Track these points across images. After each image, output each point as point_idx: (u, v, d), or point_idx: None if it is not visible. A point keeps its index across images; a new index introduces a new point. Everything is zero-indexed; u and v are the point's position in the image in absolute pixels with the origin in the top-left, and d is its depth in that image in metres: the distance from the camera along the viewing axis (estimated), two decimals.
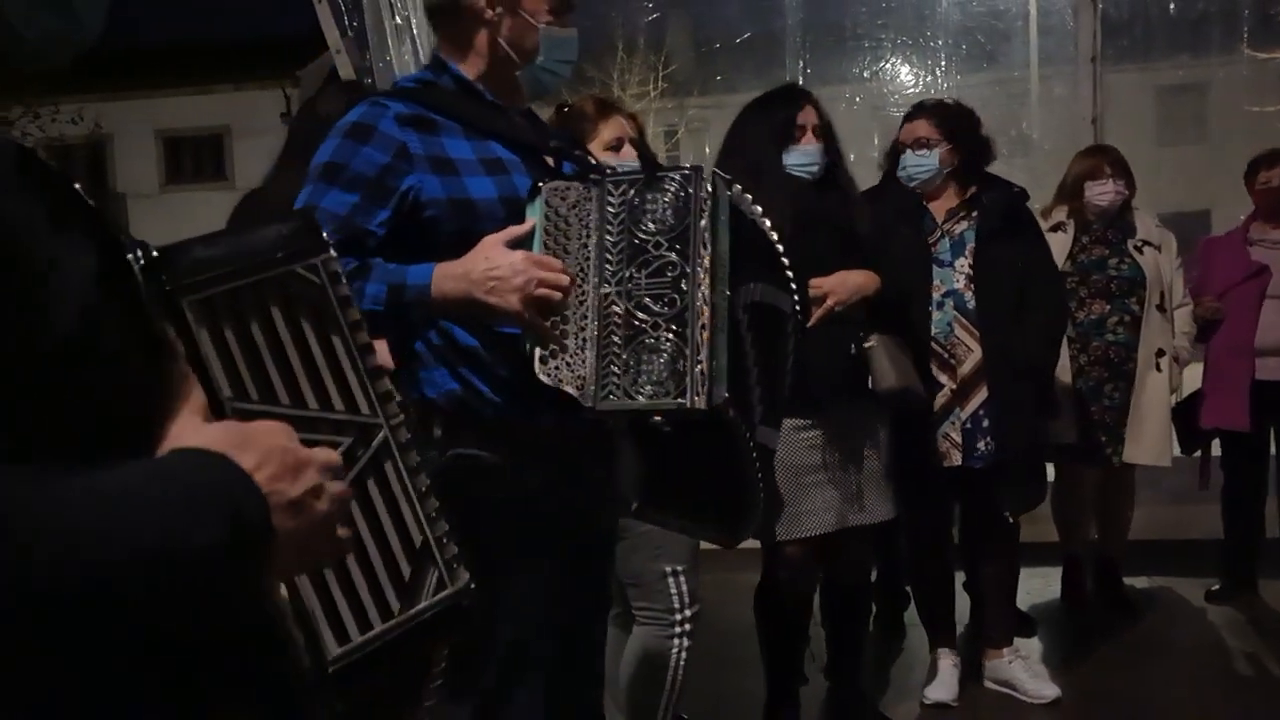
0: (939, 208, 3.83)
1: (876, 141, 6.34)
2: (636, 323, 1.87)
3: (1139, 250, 4.52)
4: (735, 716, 3.72)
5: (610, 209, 1.92)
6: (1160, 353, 4.51)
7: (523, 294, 1.85)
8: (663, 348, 1.84)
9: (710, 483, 2.04)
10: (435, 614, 1.11)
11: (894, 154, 3.91)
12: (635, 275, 1.88)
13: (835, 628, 3.70)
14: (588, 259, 1.92)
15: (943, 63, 7.24)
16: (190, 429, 0.94)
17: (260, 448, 0.90)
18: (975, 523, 3.93)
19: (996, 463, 3.65)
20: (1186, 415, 4.73)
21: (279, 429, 0.94)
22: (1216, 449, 4.90)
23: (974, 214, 3.78)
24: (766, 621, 3.52)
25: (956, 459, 3.66)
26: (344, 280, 1.10)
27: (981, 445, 3.65)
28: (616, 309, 1.88)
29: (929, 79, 7.27)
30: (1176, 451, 4.76)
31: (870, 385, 3.28)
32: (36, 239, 0.86)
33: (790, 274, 2.16)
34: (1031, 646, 4.26)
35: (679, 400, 1.83)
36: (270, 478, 0.89)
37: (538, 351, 1.90)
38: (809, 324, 3.20)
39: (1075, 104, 6.09)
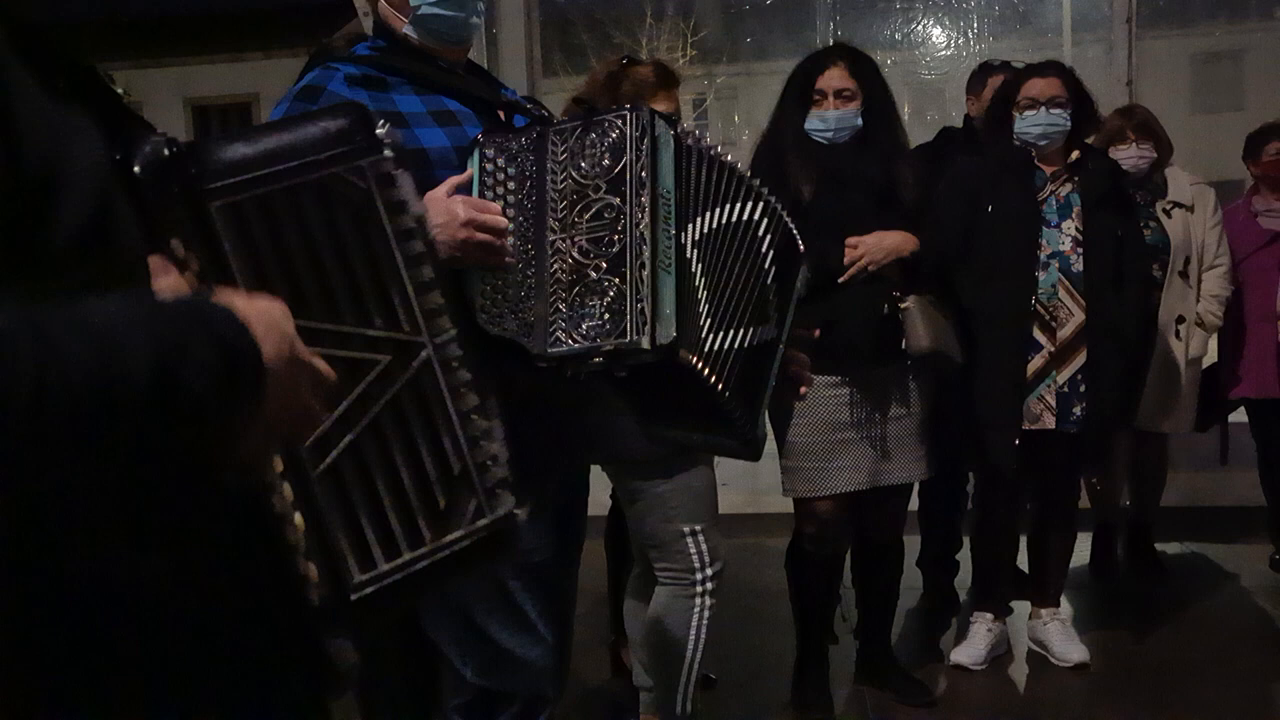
0: (1045, 169, 3.71)
1: (907, 104, 6.31)
2: (580, 267, 1.84)
3: (1167, 213, 4.44)
4: (764, 676, 3.72)
5: (554, 158, 1.90)
6: (1180, 319, 4.46)
7: (461, 235, 1.84)
8: (606, 290, 1.80)
9: (701, 405, 1.96)
10: (473, 543, 1.06)
11: (1002, 109, 3.77)
12: (577, 220, 1.86)
13: (866, 587, 3.70)
14: (531, 209, 1.91)
15: (975, 25, 7.16)
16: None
17: (255, 309, 0.86)
18: (1055, 485, 3.87)
19: (1087, 428, 3.62)
20: (1203, 389, 4.63)
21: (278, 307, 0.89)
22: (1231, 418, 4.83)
23: (1076, 178, 3.68)
24: (797, 579, 3.51)
25: (1049, 422, 3.60)
26: (397, 183, 1.03)
27: (1077, 409, 3.60)
28: (561, 254, 1.86)
29: (961, 41, 7.19)
30: None
31: (904, 346, 3.26)
32: (44, 125, 0.82)
33: (767, 201, 2.05)
34: (1062, 610, 4.24)
35: (618, 340, 1.79)
36: (265, 331, 0.86)
37: (478, 301, 1.88)
38: (839, 280, 3.20)
39: (1109, 67, 5.99)
